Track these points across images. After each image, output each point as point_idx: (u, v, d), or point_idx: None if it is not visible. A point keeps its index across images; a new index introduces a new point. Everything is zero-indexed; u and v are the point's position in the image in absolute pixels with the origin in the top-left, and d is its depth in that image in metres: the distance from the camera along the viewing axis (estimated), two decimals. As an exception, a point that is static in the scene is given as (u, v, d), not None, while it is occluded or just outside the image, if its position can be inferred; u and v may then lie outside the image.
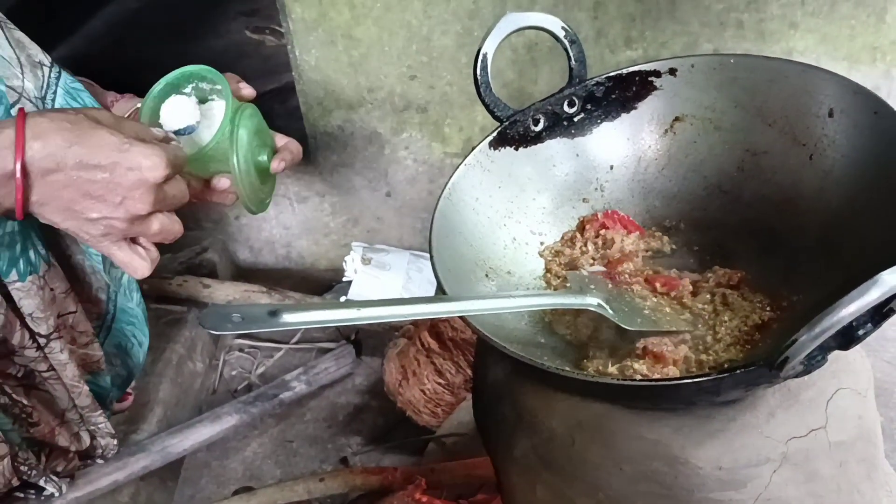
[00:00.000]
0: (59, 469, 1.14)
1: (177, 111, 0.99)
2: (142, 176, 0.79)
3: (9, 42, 0.96)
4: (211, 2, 2.01)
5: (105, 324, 1.15)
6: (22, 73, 0.96)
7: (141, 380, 1.44)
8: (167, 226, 0.86)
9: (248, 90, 1.03)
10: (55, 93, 1.00)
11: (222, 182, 0.98)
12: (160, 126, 0.97)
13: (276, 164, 1.02)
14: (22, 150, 0.74)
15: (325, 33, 1.49)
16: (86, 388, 1.09)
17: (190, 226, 1.77)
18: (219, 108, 1.00)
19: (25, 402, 1.04)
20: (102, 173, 0.78)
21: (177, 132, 0.97)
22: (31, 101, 0.96)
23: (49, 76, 1.01)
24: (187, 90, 1.02)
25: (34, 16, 1.03)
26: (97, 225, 0.81)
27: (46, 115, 0.78)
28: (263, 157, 1.01)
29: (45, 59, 1.00)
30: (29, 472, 1.06)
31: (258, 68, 2.34)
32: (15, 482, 1.04)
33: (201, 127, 0.99)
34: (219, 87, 1.01)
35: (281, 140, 1.07)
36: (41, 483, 1.10)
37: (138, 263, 0.87)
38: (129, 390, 1.35)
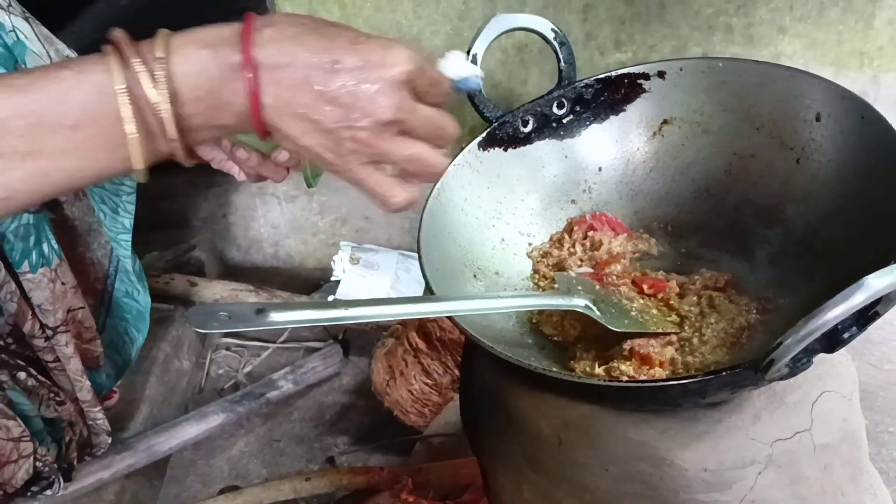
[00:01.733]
0: (74, 459, 1.15)
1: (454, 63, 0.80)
2: (383, 71, 0.64)
3: (37, 36, 0.96)
4: (200, -1, 2.00)
5: (100, 318, 1.15)
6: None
7: (127, 378, 1.43)
8: (422, 152, 0.68)
9: None
10: None
11: (283, 155, 0.83)
12: None
13: (282, 157, 0.93)
14: (249, 40, 0.63)
15: (315, 32, 1.49)
16: (87, 382, 1.10)
17: (177, 224, 1.77)
18: None
19: (51, 382, 1.06)
20: (346, 71, 0.64)
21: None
22: None
23: None
24: None
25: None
26: (340, 138, 0.66)
27: (275, 15, 0.66)
28: None
29: (72, 53, 1.01)
30: (42, 468, 1.07)
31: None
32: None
33: None
34: None
35: None
36: (49, 474, 1.11)
37: (397, 189, 0.69)
38: (114, 388, 1.34)
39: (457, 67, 0.78)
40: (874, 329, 0.61)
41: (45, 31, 0.99)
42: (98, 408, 1.15)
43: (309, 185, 0.93)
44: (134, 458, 1.31)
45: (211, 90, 0.63)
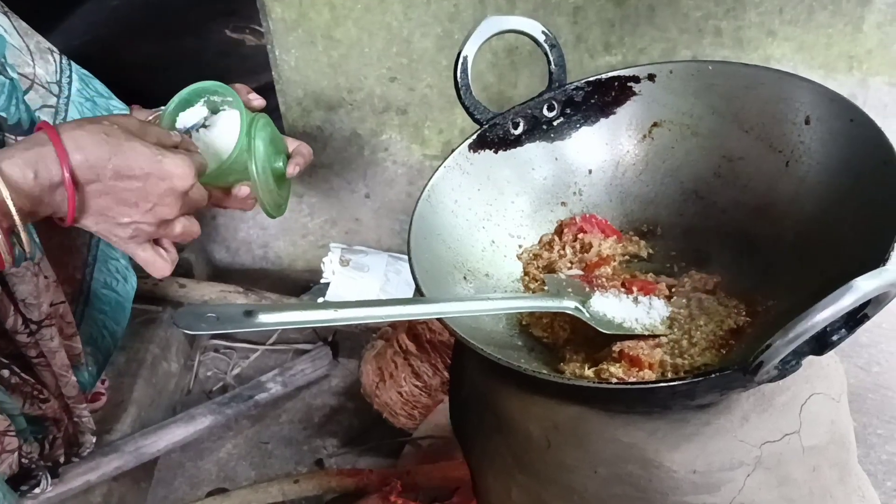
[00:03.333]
0: (61, 458, 1.15)
1: (189, 118, 1.04)
2: (172, 185, 0.85)
3: (16, 30, 0.97)
4: (190, 0, 1.99)
5: (78, 308, 1.15)
6: (32, 61, 0.98)
7: (115, 380, 1.43)
8: (188, 227, 0.93)
9: (258, 101, 1.09)
10: (70, 77, 1.04)
11: (242, 190, 1.03)
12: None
13: (291, 169, 1.07)
14: (67, 162, 0.79)
15: (305, 33, 1.49)
16: (73, 378, 1.09)
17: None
18: (231, 116, 1.03)
19: (34, 379, 1.05)
20: (137, 182, 0.84)
21: (188, 130, 1.03)
22: (43, 87, 1.00)
23: (61, 62, 1.04)
24: (199, 104, 1.06)
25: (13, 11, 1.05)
26: (127, 228, 0.88)
27: (82, 127, 0.82)
28: (279, 164, 1.06)
29: (53, 47, 1.02)
30: (28, 465, 1.06)
31: (238, 68, 2.32)
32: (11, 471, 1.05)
33: (219, 139, 1.02)
34: (230, 99, 1.04)
35: (292, 144, 1.11)
36: (37, 473, 1.11)
37: (160, 263, 0.94)
38: (101, 390, 1.34)
39: (190, 118, 1.03)
40: (862, 331, 0.61)
41: (25, 25, 1.00)
42: (84, 405, 1.14)
43: (271, 217, 1.08)
44: (121, 460, 1.31)
45: (34, 200, 0.80)
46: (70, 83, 1.03)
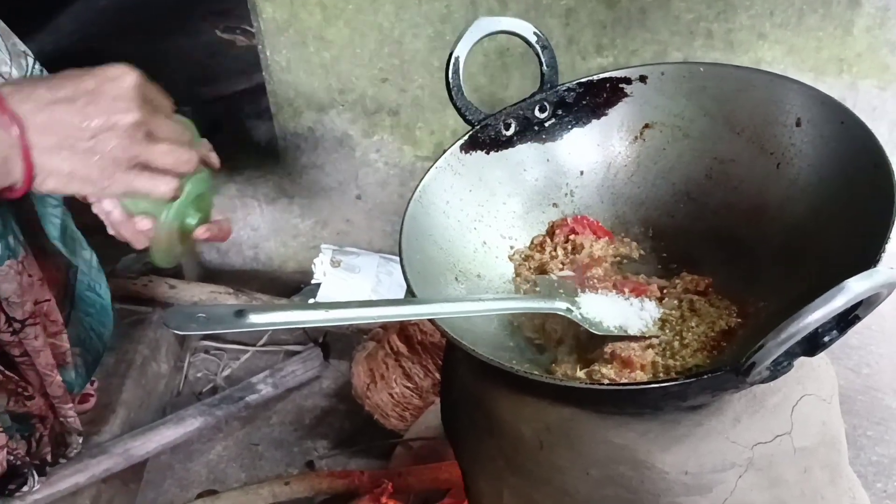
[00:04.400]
0: (48, 457, 1.13)
1: None
2: (116, 84, 0.78)
3: None
4: (181, 1, 1.99)
5: (65, 310, 1.14)
6: (10, 60, 0.96)
7: (104, 381, 1.42)
8: (175, 149, 0.82)
9: (213, 158, 0.98)
10: None
11: (144, 223, 0.93)
12: None
13: (201, 232, 0.97)
14: (4, 104, 0.74)
15: (296, 34, 1.49)
16: (58, 377, 1.08)
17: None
18: None
19: (18, 377, 1.04)
20: (79, 96, 0.76)
21: None
22: None
23: (32, 67, 1.02)
24: None
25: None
26: (100, 154, 0.77)
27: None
28: (192, 221, 0.97)
29: (28, 50, 1.00)
30: (15, 462, 1.06)
31: (228, 68, 2.32)
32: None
33: None
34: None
35: (218, 215, 1.01)
36: (24, 470, 1.10)
37: (162, 185, 0.82)
38: (91, 391, 1.33)
39: None
40: (852, 333, 0.61)
41: (3, 24, 0.98)
42: (69, 405, 1.13)
43: (154, 262, 0.98)
44: (110, 462, 1.30)
45: None
46: None
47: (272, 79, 1.56)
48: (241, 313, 0.65)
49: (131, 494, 1.38)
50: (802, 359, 0.61)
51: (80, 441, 1.20)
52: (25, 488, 1.13)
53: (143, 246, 0.95)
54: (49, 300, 1.04)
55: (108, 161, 0.78)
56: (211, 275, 1.82)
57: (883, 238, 0.65)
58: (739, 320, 0.80)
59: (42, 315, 1.04)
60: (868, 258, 0.65)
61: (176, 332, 0.69)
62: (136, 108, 0.78)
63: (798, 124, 0.82)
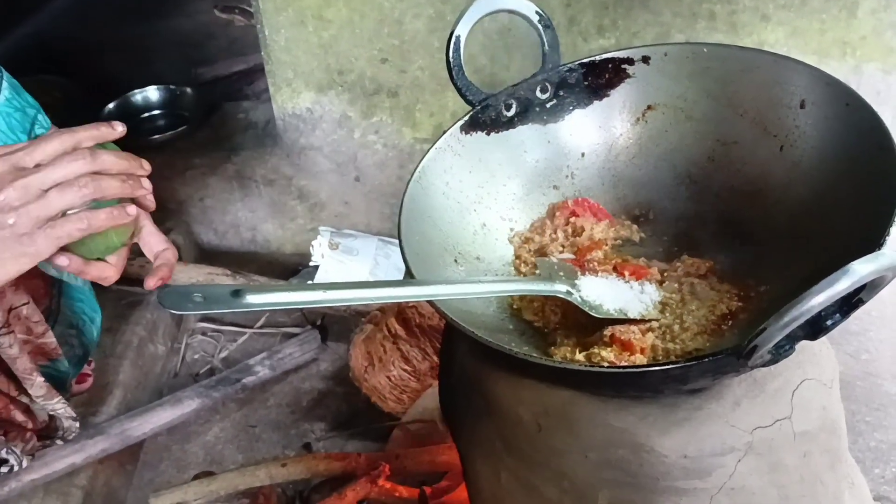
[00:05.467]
0: (18, 449, 1.12)
1: None
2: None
3: None
4: (177, -21, 1.98)
5: (52, 304, 1.13)
6: None
7: (100, 362, 1.42)
8: (65, 190, 0.78)
9: (149, 201, 0.92)
10: (0, 85, 0.99)
11: (61, 260, 0.86)
12: None
13: (153, 282, 0.90)
14: None
15: (295, 13, 1.47)
16: (39, 378, 1.06)
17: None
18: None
19: None
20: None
21: None
22: None
23: None
24: None
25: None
26: (9, 233, 0.77)
27: None
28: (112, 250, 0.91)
29: None
30: None
31: (226, 48, 2.30)
32: None
33: None
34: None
35: (158, 245, 0.94)
36: (3, 454, 1.08)
37: (78, 226, 0.80)
38: (88, 371, 1.32)
39: None
40: (852, 319, 0.60)
41: None
42: (57, 399, 1.11)
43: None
44: (107, 443, 1.30)
45: None
46: None
47: (271, 59, 1.55)
48: (238, 293, 0.64)
49: (128, 475, 1.38)
50: (803, 343, 0.60)
51: (77, 425, 1.19)
52: (5, 470, 1.11)
53: (111, 281, 0.92)
54: (27, 303, 1.01)
55: (18, 235, 0.77)
56: (208, 256, 1.81)
57: (888, 221, 0.65)
58: (740, 304, 0.79)
59: (21, 319, 1.01)
60: (872, 241, 0.64)
61: (172, 312, 0.67)
62: (6, 186, 0.76)
63: (802, 106, 0.81)
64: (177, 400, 1.41)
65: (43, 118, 1.06)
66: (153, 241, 0.94)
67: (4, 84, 0.99)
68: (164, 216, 1.76)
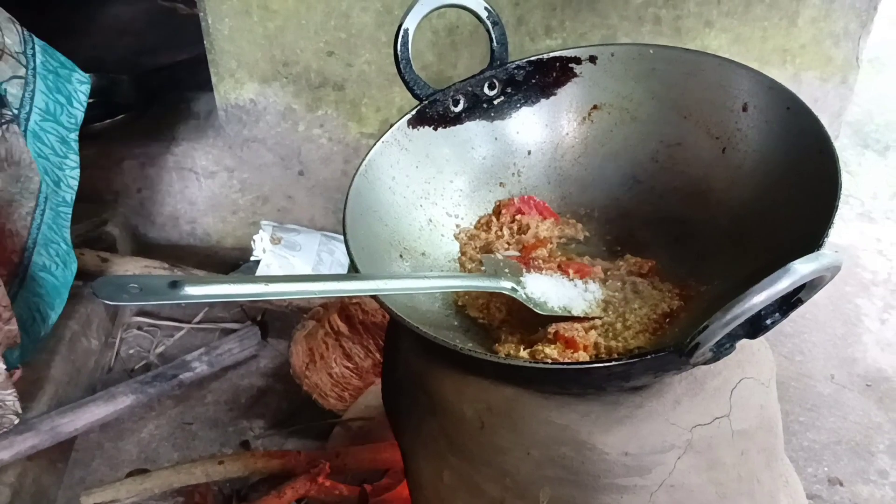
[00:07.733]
0: None
1: None
2: None
3: None
4: (119, -35, 1.93)
5: (12, 290, 1.10)
6: (1, 30, 0.92)
7: (31, 356, 1.37)
8: None
9: None
10: (34, 49, 1.01)
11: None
12: None
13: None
14: None
15: (239, 3, 1.45)
16: (2, 366, 1.03)
17: (89, 197, 1.70)
18: None
19: None
20: None
21: None
22: (13, 56, 0.96)
23: (23, 32, 1.01)
24: None
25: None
26: None
27: None
28: None
29: (11, 16, 0.98)
30: None
31: (169, 37, 2.25)
32: None
33: None
34: None
35: None
36: None
37: None
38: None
39: None
40: (787, 321, 0.62)
41: None
42: (11, 390, 1.08)
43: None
44: (37, 439, 1.25)
45: None
46: (34, 55, 0.99)
47: (214, 48, 1.52)
48: (176, 284, 0.62)
49: (58, 473, 1.34)
50: (743, 342, 0.61)
51: (16, 421, 1.16)
52: None
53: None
54: None
55: None
56: (145, 249, 1.77)
57: (827, 222, 0.66)
58: (681, 303, 0.80)
59: None
60: (812, 242, 0.65)
61: (106, 302, 0.65)
62: None
63: (745, 109, 0.82)
64: (110, 396, 1.37)
65: (79, 75, 1.09)
66: None
67: (37, 47, 0.99)
68: (100, 207, 1.71)
